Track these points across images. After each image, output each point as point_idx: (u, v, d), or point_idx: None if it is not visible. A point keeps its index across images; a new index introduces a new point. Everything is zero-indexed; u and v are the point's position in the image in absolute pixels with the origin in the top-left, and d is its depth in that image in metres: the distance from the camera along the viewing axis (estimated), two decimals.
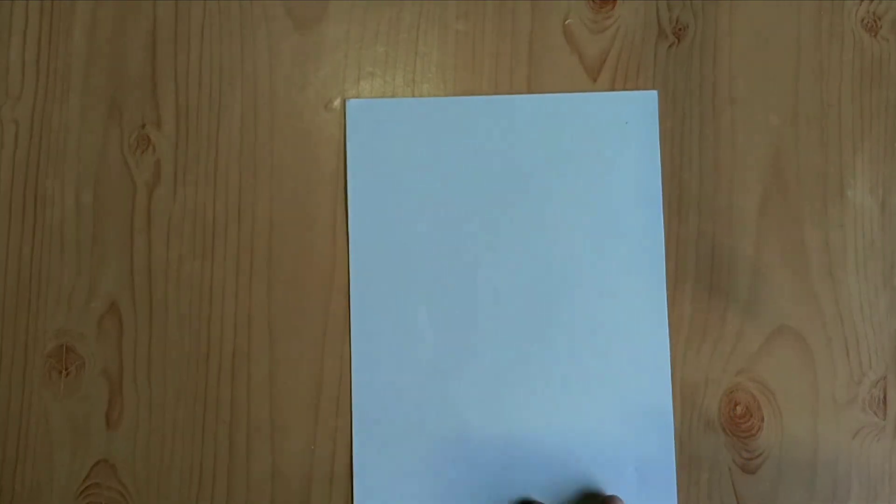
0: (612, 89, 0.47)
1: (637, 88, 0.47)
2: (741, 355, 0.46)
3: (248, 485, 0.45)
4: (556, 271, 0.46)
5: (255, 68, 0.47)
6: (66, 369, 0.46)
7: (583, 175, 0.46)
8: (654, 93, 0.47)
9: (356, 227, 0.46)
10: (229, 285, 0.46)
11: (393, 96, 0.47)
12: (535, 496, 0.44)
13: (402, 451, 0.45)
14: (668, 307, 0.46)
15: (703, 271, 0.46)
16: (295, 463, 0.45)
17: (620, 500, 0.42)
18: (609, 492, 0.44)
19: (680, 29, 0.48)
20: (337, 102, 0.47)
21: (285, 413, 0.46)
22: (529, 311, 0.46)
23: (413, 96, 0.47)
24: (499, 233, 0.46)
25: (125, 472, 0.45)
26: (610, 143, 0.46)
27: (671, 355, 0.46)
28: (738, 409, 0.46)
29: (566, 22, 0.48)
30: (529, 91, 0.47)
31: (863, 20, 0.47)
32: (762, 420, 0.46)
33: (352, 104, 0.47)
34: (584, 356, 0.45)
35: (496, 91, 0.47)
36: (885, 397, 0.46)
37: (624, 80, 0.47)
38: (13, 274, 0.46)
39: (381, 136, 0.47)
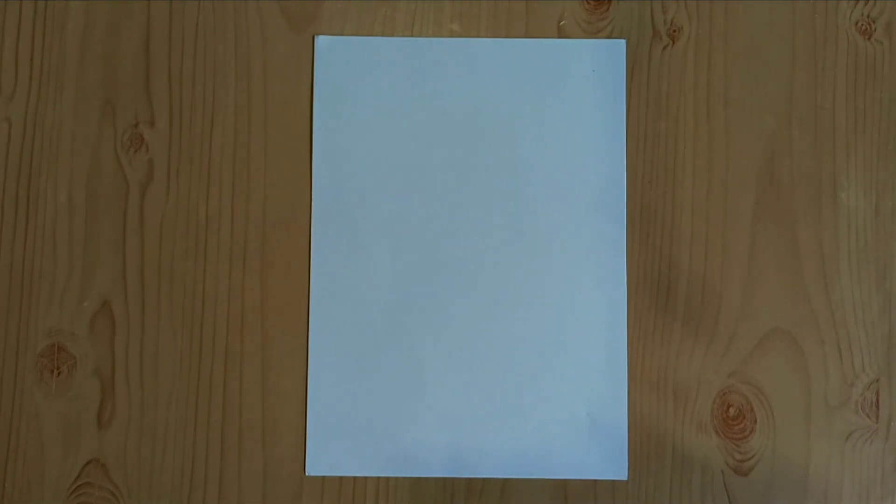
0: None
1: (631, 90, 0.47)
2: (734, 357, 0.46)
3: (239, 485, 0.45)
4: (517, 214, 0.46)
5: (248, 67, 0.47)
6: (58, 369, 0.46)
7: (549, 121, 0.47)
8: (622, 42, 0.47)
9: (319, 169, 0.47)
10: (222, 285, 0.46)
11: None
12: (488, 439, 0.45)
13: (356, 396, 0.46)
14: (627, 257, 0.46)
15: (695, 273, 0.46)
16: (287, 464, 0.45)
17: None
18: (561, 436, 0.44)
19: (674, 30, 0.48)
20: None
21: (277, 413, 0.46)
22: (490, 255, 0.46)
23: None
24: (462, 176, 0.47)
25: (117, 471, 0.45)
26: (577, 91, 0.47)
27: (665, 356, 0.46)
28: (731, 410, 0.46)
29: (560, 23, 0.48)
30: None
31: (857, 23, 0.47)
32: (755, 422, 0.46)
33: (321, 40, 0.47)
34: (542, 302, 0.46)
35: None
36: (877, 400, 0.46)
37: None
38: (5, 273, 0.46)
39: (349, 75, 0.47)
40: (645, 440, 0.46)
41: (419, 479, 0.45)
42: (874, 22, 0.47)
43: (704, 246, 0.47)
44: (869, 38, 0.47)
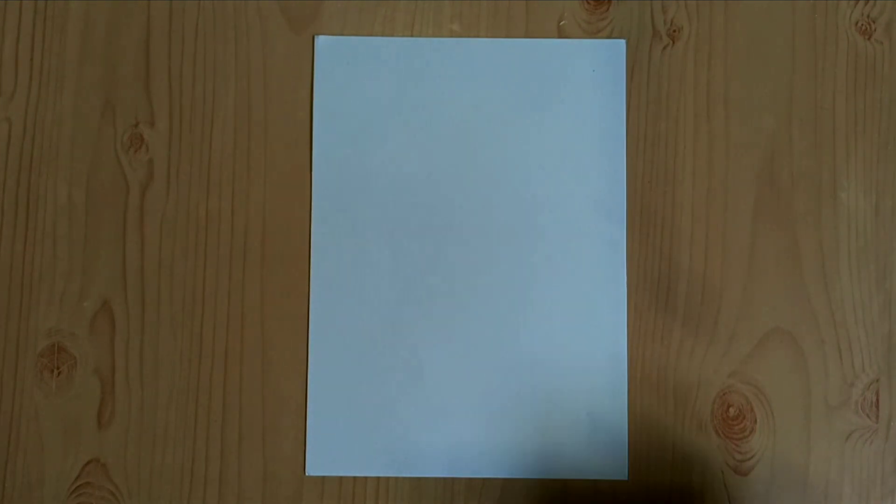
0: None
1: (631, 90, 0.47)
2: (734, 357, 0.46)
3: (239, 485, 0.45)
4: (517, 214, 0.46)
5: (248, 68, 0.47)
6: (58, 368, 0.46)
7: (549, 121, 0.47)
8: (622, 42, 0.47)
9: (319, 170, 0.47)
10: (222, 285, 0.46)
11: None
12: (488, 439, 0.45)
13: (356, 396, 0.45)
14: (627, 257, 0.46)
15: (695, 273, 0.46)
16: (287, 464, 0.45)
17: None
18: (561, 436, 0.44)
19: (674, 31, 0.48)
20: None
21: (277, 413, 0.46)
22: (490, 255, 0.46)
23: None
24: (462, 176, 0.47)
25: (117, 471, 0.45)
26: (577, 91, 0.47)
27: (665, 356, 0.46)
28: (731, 410, 0.46)
29: (560, 23, 0.48)
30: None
31: (857, 23, 0.47)
32: (755, 422, 0.46)
33: (321, 40, 0.47)
34: (542, 302, 0.46)
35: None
36: (877, 400, 0.46)
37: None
38: (5, 272, 0.46)
39: (349, 75, 0.47)
40: (645, 440, 0.46)
41: (419, 479, 0.45)
42: (874, 22, 0.47)
43: (704, 246, 0.47)
44: (869, 38, 0.47)
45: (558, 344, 0.46)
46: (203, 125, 0.47)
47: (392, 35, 0.48)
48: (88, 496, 0.45)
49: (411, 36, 0.48)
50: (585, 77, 0.47)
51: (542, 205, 0.47)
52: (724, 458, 0.45)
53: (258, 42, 0.48)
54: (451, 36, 0.48)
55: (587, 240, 0.46)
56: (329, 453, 0.45)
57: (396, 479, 0.45)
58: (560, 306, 0.46)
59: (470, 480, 0.45)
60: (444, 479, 0.45)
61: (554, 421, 0.45)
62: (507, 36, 0.48)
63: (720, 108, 0.47)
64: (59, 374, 0.46)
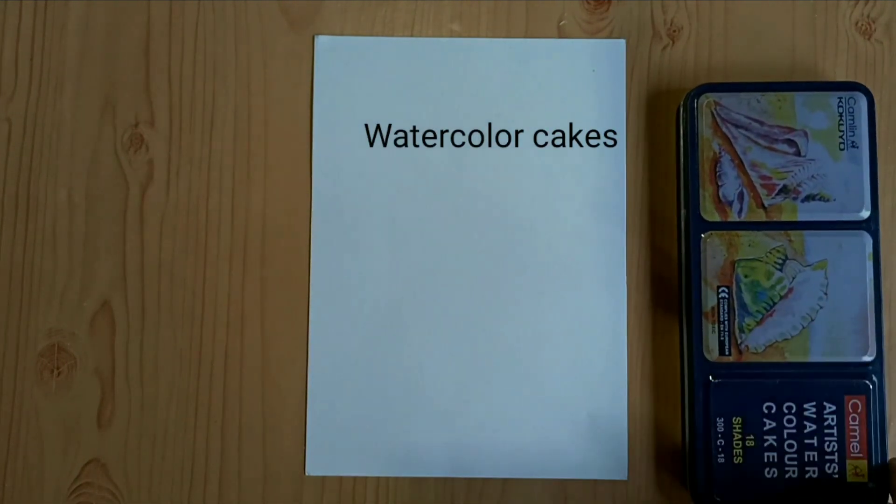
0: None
1: (631, 90, 0.47)
2: None
3: (239, 485, 0.45)
4: (518, 213, 0.46)
5: (248, 67, 0.47)
6: (58, 368, 0.46)
7: (548, 120, 0.47)
8: (622, 42, 0.47)
9: (319, 170, 0.47)
10: (222, 285, 0.46)
11: None
12: (488, 439, 0.45)
13: (356, 396, 0.46)
14: (627, 257, 0.46)
15: None
16: (287, 464, 0.45)
17: None
18: (561, 436, 0.45)
19: (674, 30, 0.48)
20: None
21: (277, 413, 0.46)
22: (490, 255, 0.46)
23: None
24: (462, 176, 0.47)
25: (116, 471, 0.45)
26: (577, 91, 0.47)
27: (666, 356, 0.46)
28: None
29: (560, 23, 0.48)
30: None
31: (857, 23, 0.47)
32: None
33: (321, 40, 0.47)
34: (542, 302, 0.46)
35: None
36: None
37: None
38: (4, 273, 0.46)
39: (349, 75, 0.47)
40: (645, 440, 0.46)
41: (419, 479, 0.45)
42: (874, 22, 0.47)
43: None
44: (869, 38, 0.47)
45: (558, 344, 0.46)
46: (203, 125, 0.47)
47: (392, 35, 0.48)
48: (88, 496, 0.45)
49: (411, 36, 0.48)
50: (585, 77, 0.47)
51: (541, 205, 0.47)
52: None
53: (258, 42, 0.48)
54: (451, 36, 0.48)
55: (587, 240, 0.46)
56: (329, 453, 0.45)
57: (396, 479, 0.45)
58: (560, 306, 0.46)
59: (470, 480, 0.45)
60: (444, 479, 0.45)
61: (554, 421, 0.45)
62: (507, 36, 0.48)
63: None
64: (59, 374, 0.46)
